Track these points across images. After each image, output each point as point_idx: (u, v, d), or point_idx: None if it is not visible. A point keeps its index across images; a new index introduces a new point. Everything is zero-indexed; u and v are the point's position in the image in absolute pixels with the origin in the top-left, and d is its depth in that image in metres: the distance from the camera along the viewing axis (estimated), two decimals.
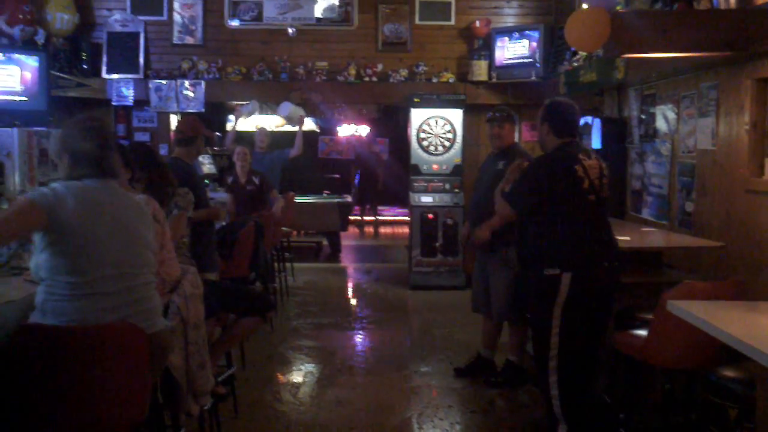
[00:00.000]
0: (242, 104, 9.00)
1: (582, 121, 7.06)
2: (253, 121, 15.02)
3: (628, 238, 4.70)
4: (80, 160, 2.90)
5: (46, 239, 2.73)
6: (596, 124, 6.91)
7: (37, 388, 2.67)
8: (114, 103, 8.76)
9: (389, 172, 14.95)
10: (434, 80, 8.96)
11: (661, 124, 6.21)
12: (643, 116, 6.55)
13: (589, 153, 4.05)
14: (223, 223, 6.28)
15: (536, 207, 3.92)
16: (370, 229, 14.94)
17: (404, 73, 8.92)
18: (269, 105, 10.46)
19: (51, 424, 2.70)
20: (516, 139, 5.65)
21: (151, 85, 8.77)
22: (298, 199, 9.58)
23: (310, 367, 5.85)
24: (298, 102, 8.87)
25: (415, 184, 8.74)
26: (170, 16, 8.96)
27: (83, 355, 2.71)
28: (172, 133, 9.03)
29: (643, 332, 3.83)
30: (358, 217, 15.03)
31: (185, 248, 4.33)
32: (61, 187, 2.80)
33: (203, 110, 8.73)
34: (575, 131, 4.09)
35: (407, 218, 9.48)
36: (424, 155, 8.72)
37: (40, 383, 2.67)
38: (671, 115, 6.01)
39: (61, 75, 8.01)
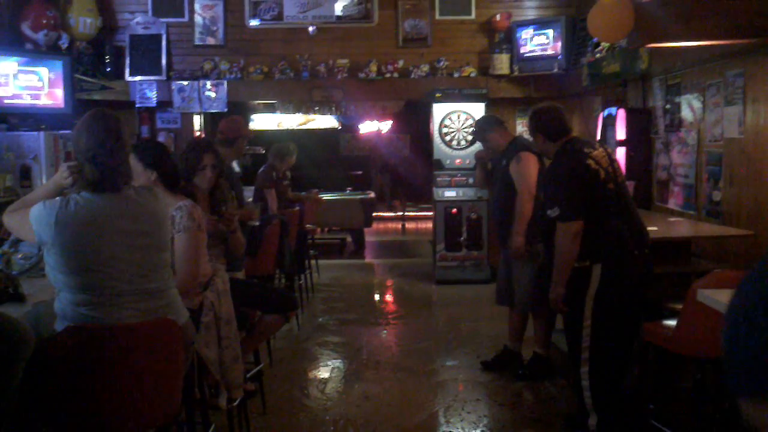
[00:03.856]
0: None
1: (606, 112, 7.02)
2: (275, 120, 15.00)
3: (655, 228, 4.67)
4: (81, 175, 2.87)
5: (48, 259, 2.80)
6: (621, 115, 6.84)
7: (80, 385, 2.71)
8: (137, 105, 8.82)
9: (410, 168, 14.94)
10: (455, 75, 8.93)
11: (686, 113, 6.14)
12: (668, 106, 6.48)
13: (593, 144, 4.07)
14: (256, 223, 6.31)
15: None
16: (395, 225, 14.93)
17: (425, 68, 8.91)
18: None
19: (92, 420, 2.75)
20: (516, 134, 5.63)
21: (173, 87, 8.83)
22: (321, 196, 9.60)
23: (336, 362, 5.87)
24: (319, 99, 8.87)
25: (439, 178, 8.71)
26: (191, 17, 9.00)
27: (126, 351, 2.75)
28: (196, 134, 9.09)
29: (672, 322, 3.80)
30: (382, 213, 15.02)
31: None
32: (58, 207, 2.78)
33: (226, 110, 8.76)
34: (568, 129, 4.12)
35: (431, 213, 9.47)
36: (447, 150, 8.69)
37: (82, 381, 2.71)
38: (697, 105, 5.94)
39: (85, 78, 8.09)
